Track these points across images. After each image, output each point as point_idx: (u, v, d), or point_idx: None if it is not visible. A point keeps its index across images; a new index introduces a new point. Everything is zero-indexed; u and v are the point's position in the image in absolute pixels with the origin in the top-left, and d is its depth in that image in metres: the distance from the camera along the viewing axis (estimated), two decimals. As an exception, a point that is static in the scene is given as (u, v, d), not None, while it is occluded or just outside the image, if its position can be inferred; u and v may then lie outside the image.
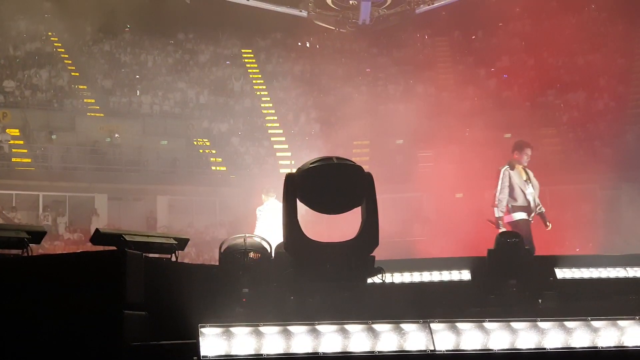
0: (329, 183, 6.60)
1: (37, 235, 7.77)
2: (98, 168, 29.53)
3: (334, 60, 35.54)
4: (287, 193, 6.58)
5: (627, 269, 8.96)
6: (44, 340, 5.96)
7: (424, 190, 28.15)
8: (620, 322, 5.58)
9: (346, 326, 5.40)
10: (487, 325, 5.51)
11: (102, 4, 31.94)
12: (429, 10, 31.56)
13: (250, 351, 5.22)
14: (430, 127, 28.21)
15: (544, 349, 5.46)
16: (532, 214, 11.76)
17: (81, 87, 32.69)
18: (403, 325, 5.44)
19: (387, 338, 5.40)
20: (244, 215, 15.73)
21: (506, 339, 5.48)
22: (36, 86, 31.95)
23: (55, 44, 34.02)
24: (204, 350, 5.17)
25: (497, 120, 27.91)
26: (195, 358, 5.18)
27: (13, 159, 28.83)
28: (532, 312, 7.36)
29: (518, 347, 5.47)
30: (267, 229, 13.36)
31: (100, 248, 7.12)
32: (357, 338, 5.37)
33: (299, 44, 37.49)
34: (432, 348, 5.39)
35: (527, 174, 11.91)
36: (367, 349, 5.36)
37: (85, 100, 32.34)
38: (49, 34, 34.10)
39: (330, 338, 5.34)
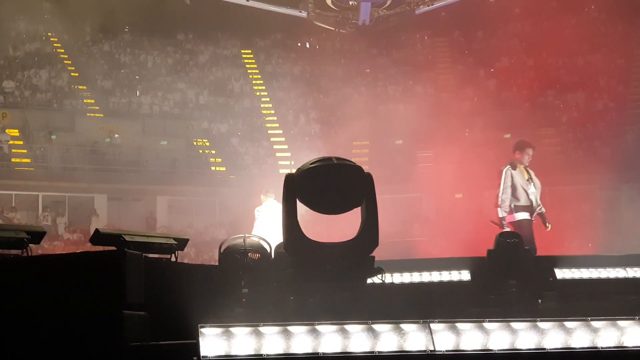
0: (328, 183, 6.60)
1: (37, 236, 7.76)
2: (98, 168, 29.52)
3: (333, 61, 35.56)
4: (287, 193, 6.58)
5: (627, 269, 8.95)
6: (44, 340, 5.96)
7: (424, 191, 28.15)
8: (620, 323, 5.58)
9: (346, 326, 5.40)
10: (487, 325, 5.51)
11: (101, 5, 31.95)
12: (428, 11, 31.57)
13: (250, 351, 5.22)
14: (430, 127, 28.21)
15: (544, 349, 5.46)
16: (535, 214, 11.77)
17: (81, 87, 32.70)
18: (403, 326, 5.44)
19: (387, 338, 5.40)
20: (244, 216, 15.73)
21: (506, 339, 5.48)
22: (36, 86, 31.96)
23: (55, 45, 34.03)
24: (203, 351, 5.16)
25: (496, 121, 27.93)
26: (195, 358, 5.18)
27: (13, 159, 28.83)
28: (532, 312, 7.36)
29: (518, 347, 5.47)
30: (266, 229, 13.33)
31: (100, 248, 7.12)
32: (357, 338, 5.37)
33: (299, 44, 37.50)
34: (432, 348, 5.39)
35: (528, 173, 11.92)
36: (367, 349, 5.36)
37: (85, 101, 32.34)
38: (49, 34, 34.10)
39: (330, 338, 5.35)
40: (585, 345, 5.49)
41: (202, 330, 5.22)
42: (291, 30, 35.85)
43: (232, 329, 5.27)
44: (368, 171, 6.72)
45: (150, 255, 7.31)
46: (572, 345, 5.49)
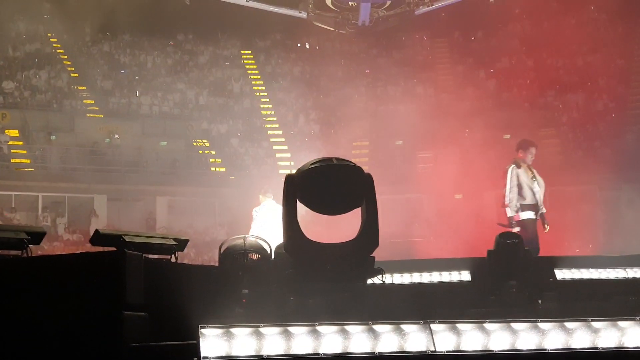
0: (329, 184, 6.60)
1: (37, 236, 7.75)
2: (97, 169, 29.51)
3: (333, 62, 35.56)
4: (287, 194, 6.58)
5: (627, 269, 8.96)
6: (44, 341, 5.95)
7: (424, 191, 28.15)
8: (621, 323, 5.58)
9: (346, 327, 5.39)
10: (488, 326, 5.51)
11: (101, 5, 31.93)
12: (428, 12, 31.54)
13: (251, 352, 5.22)
14: (430, 128, 28.20)
15: (545, 349, 5.46)
16: (539, 212, 11.77)
17: (80, 88, 32.69)
18: (403, 326, 5.44)
19: (388, 339, 5.39)
20: (244, 216, 15.71)
21: (507, 340, 5.48)
22: (35, 87, 31.95)
23: (55, 45, 34.02)
24: (204, 351, 5.16)
25: (496, 121, 27.93)
26: (195, 359, 5.18)
27: (12, 160, 28.82)
28: (532, 312, 7.36)
29: (518, 348, 5.47)
30: (266, 229, 13.29)
31: (99, 249, 7.11)
32: (358, 339, 5.37)
33: (299, 45, 37.50)
34: (432, 349, 5.39)
35: (532, 172, 11.94)
36: (368, 350, 5.35)
37: (84, 101, 32.34)
38: (49, 34, 34.09)
39: (330, 339, 5.34)
40: (586, 346, 5.49)
41: (203, 330, 5.22)
42: (291, 31, 35.84)
43: (232, 330, 5.27)
44: (368, 172, 6.72)
45: (150, 256, 7.30)
46: (573, 346, 5.48)
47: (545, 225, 11.86)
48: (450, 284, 8.87)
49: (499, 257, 8.29)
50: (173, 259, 7.78)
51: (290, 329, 5.33)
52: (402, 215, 25.56)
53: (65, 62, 33.53)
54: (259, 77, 36.24)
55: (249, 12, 32.39)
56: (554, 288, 8.40)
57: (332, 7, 31.08)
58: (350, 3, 30.15)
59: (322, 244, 6.61)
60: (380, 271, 6.78)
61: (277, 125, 33.96)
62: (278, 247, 7.25)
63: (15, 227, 8.70)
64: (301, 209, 6.64)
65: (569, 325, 5.54)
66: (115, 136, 31.00)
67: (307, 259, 6.59)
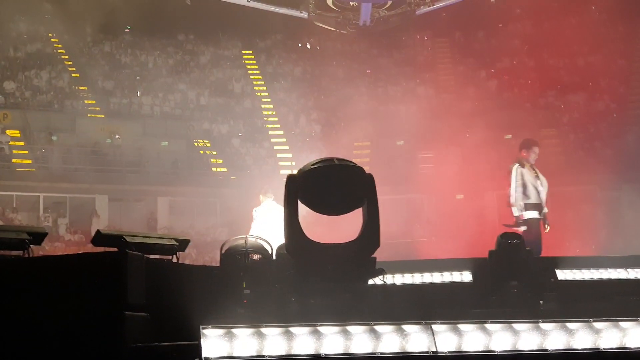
0: (330, 184, 6.61)
1: (38, 237, 7.76)
2: (99, 169, 29.51)
3: (334, 62, 35.57)
4: (289, 194, 6.58)
5: (628, 270, 8.94)
6: (45, 341, 5.96)
7: (425, 192, 28.15)
8: (622, 324, 5.58)
9: (348, 327, 5.40)
10: (489, 326, 5.51)
11: (102, 5, 31.93)
12: (429, 12, 31.50)
13: (252, 352, 5.22)
14: (431, 128, 28.20)
15: (546, 350, 5.46)
16: (543, 212, 11.76)
17: (81, 88, 32.70)
18: (405, 327, 5.44)
19: (389, 339, 5.39)
20: (245, 217, 15.69)
21: (508, 341, 5.48)
22: (36, 87, 31.96)
23: (56, 45, 34.03)
24: (205, 352, 5.16)
25: (497, 122, 27.92)
26: (196, 359, 5.18)
27: (13, 160, 28.83)
28: (533, 313, 7.35)
29: (520, 348, 5.47)
30: (265, 229, 13.25)
31: (101, 249, 7.12)
32: (359, 339, 5.37)
33: (300, 45, 37.49)
34: (434, 349, 5.39)
35: (535, 171, 11.93)
36: (369, 350, 5.36)
37: (85, 102, 32.34)
38: (50, 35, 34.09)
39: (332, 339, 5.34)
40: (587, 347, 5.49)
41: (204, 331, 5.22)
42: (292, 31, 35.85)
43: (234, 330, 5.27)
44: (369, 172, 6.72)
45: (152, 256, 7.31)
46: (574, 347, 5.48)
47: (546, 225, 11.86)
48: (452, 285, 8.86)
49: (500, 258, 8.28)
50: (174, 260, 7.78)
51: (292, 329, 5.33)
52: (403, 216, 25.58)
53: (66, 62, 33.54)
54: (260, 77, 36.24)
55: (250, 12, 32.36)
56: (556, 288, 8.39)
57: (333, 7, 31.04)
58: (351, 3, 30.11)
59: (324, 245, 6.61)
60: (381, 271, 6.78)
61: (278, 126, 33.96)
62: (279, 248, 7.25)
63: (17, 228, 8.71)
64: (302, 209, 6.64)
65: (570, 325, 5.54)
66: (117, 136, 31.01)
67: (308, 260, 6.59)
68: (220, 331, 5.24)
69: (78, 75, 33.06)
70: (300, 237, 6.57)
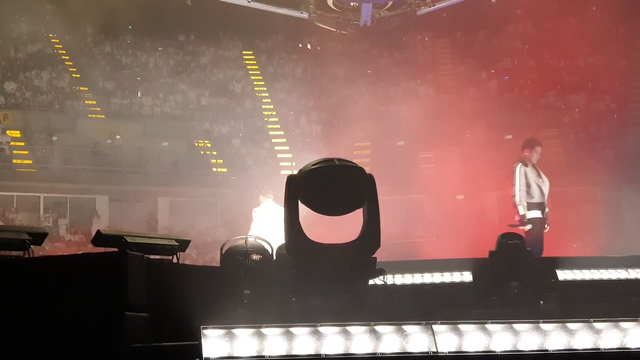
0: (330, 185, 6.60)
1: (39, 237, 7.76)
2: (99, 169, 29.51)
3: (335, 62, 35.56)
4: (289, 194, 6.58)
5: (629, 270, 8.94)
6: (46, 341, 5.96)
7: (426, 192, 28.16)
8: (623, 324, 5.57)
9: (348, 328, 5.39)
10: (490, 327, 5.51)
11: (102, 6, 31.94)
12: (430, 12, 31.53)
13: (253, 353, 5.22)
14: (431, 128, 28.20)
15: (547, 350, 5.46)
16: (545, 211, 11.75)
17: (82, 88, 32.71)
18: (405, 327, 5.44)
19: (389, 340, 5.39)
20: (245, 217, 15.69)
21: (508, 341, 5.48)
22: (37, 88, 31.97)
23: (56, 46, 34.04)
24: (206, 352, 5.16)
25: (498, 122, 27.95)
26: (197, 359, 5.18)
27: (14, 161, 28.83)
28: (534, 313, 7.35)
29: (520, 348, 5.47)
30: (264, 229, 13.24)
31: (101, 249, 7.12)
32: (359, 340, 5.37)
33: (300, 45, 37.50)
34: (434, 350, 5.38)
35: (537, 171, 11.93)
36: (370, 351, 5.35)
37: (86, 102, 32.35)
38: (50, 35, 34.11)
39: (332, 340, 5.34)
40: (588, 347, 5.48)
41: (205, 331, 5.22)
42: (292, 32, 35.86)
43: (234, 330, 5.27)
44: (370, 172, 6.72)
45: (152, 257, 7.31)
46: (575, 347, 5.48)
47: (546, 225, 11.85)
48: (452, 285, 8.86)
49: (500, 258, 8.27)
50: (175, 260, 7.79)
51: (292, 329, 5.33)
52: (403, 216, 25.57)
53: (66, 62, 33.55)
54: (261, 77, 36.24)
55: (251, 12, 32.38)
56: (556, 289, 8.39)
57: (334, 8, 31.06)
58: (351, 4, 30.13)
59: (324, 245, 6.61)
60: (381, 272, 6.78)
61: (278, 126, 33.96)
62: (280, 248, 7.25)
63: (17, 228, 8.71)
64: (302, 209, 6.64)
65: (570, 326, 5.54)
66: (117, 137, 31.01)
67: (308, 260, 6.59)
68: (221, 331, 5.24)
69: (79, 75, 33.07)
70: (301, 237, 6.57)
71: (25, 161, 29.19)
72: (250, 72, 36.48)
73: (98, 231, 7.37)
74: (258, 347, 5.24)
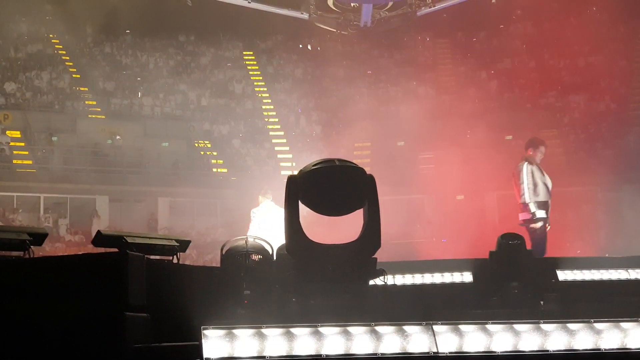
0: (331, 185, 6.60)
1: (39, 237, 7.75)
2: (99, 170, 29.52)
3: (335, 63, 35.55)
4: (289, 195, 6.57)
5: (629, 270, 8.94)
6: (46, 342, 5.95)
7: (426, 192, 28.16)
8: (623, 324, 5.57)
9: (349, 328, 5.39)
10: (490, 327, 5.50)
11: (102, 6, 31.95)
12: (430, 13, 31.53)
13: (253, 353, 5.22)
14: (431, 129, 28.21)
15: (547, 351, 5.45)
16: (549, 211, 11.73)
17: (82, 89, 32.72)
18: (406, 327, 5.43)
19: (390, 340, 5.39)
20: (245, 217, 15.70)
21: (509, 341, 5.47)
22: (37, 88, 31.97)
23: (57, 46, 34.05)
24: (206, 352, 5.16)
25: (498, 122, 27.94)
26: (197, 360, 5.18)
27: (14, 161, 28.84)
28: (534, 314, 7.35)
29: (521, 349, 5.46)
30: (263, 230, 13.21)
31: (101, 250, 7.11)
32: (360, 340, 5.37)
33: (300, 46, 37.51)
34: (435, 350, 5.38)
35: (540, 170, 11.92)
36: (370, 351, 5.35)
37: (86, 102, 32.36)
38: (50, 36, 34.12)
39: (332, 340, 5.34)
40: (588, 347, 5.48)
41: (205, 331, 5.21)
42: (293, 32, 35.86)
43: (234, 331, 5.26)
44: (370, 173, 6.71)
45: (152, 257, 7.30)
46: (575, 347, 5.48)
47: (547, 225, 11.84)
48: (452, 285, 8.85)
49: (501, 258, 8.27)
50: (175, 260, 7.78)
51: (293, 330, 5.33)
52: (404, 217, 25.58)
53: (67, 63, 33.57)
54: (261, 78, 36.25)
55: (251, 13, 32.38)
56: (556, 289, 8.39)
57: (334, 8, 31.06)
58: (352, 4, 30.12)
59: (324, 245, 6.61)
60: (382, 272, 6.77)
61: (278, 127, 33.96)
62: (280, 248, 7.24)
63: (17, 228, 8.70)
64: (302, 209, 6.64)
65: (571, 326, 5.54)
66: (117, 137, 31.02)
67: (309, 260, 6.58)
68: (221, 332, 5.24)
69: (79, 76, 33.09)
70: (301, 237, 6.56)
71: (26, 161, 29.20)
72: (250, 72, 36.49)
73: (98, 231, 7.36)
74: (259, 347, 5.24)
